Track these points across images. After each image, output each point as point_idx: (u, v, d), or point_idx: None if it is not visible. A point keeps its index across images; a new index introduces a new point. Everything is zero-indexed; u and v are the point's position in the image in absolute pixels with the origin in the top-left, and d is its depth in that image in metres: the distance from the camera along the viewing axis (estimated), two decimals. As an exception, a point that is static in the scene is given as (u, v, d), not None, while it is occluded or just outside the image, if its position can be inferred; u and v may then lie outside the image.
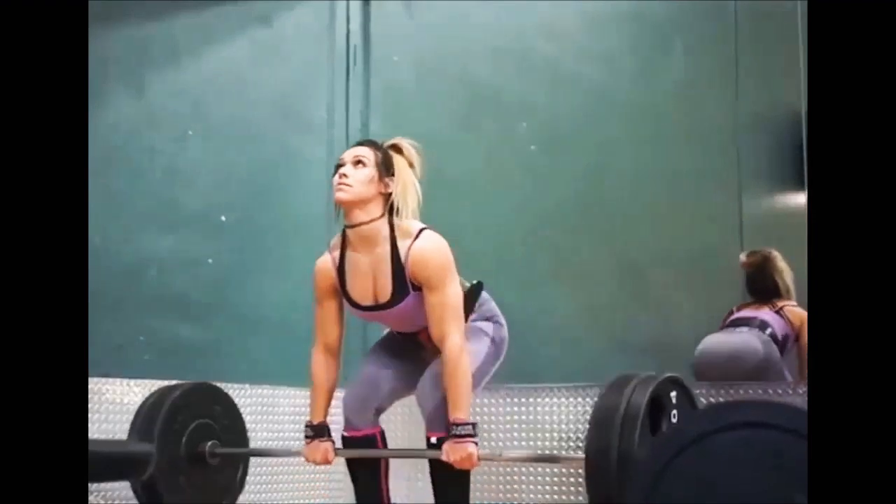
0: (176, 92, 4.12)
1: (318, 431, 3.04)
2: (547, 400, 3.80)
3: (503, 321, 3.12)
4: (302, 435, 3.88)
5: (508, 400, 3.86)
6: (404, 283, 2.87)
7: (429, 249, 2.86)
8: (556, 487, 3.76)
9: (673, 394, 2.76)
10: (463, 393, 2.81)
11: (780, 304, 3.87)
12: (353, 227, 2.91)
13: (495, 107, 4.64)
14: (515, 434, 3.86)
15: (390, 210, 2.91)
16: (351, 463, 3.09)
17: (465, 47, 4.71)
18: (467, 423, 2.80)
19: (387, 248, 2.89)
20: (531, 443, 3.83)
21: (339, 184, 2.86)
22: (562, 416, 3.78)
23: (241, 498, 3.74)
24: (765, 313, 3.86)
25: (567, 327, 4.31)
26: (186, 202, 4.09)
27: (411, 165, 2.97)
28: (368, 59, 4.75)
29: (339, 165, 2.92)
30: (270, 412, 4.03)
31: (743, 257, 3.95)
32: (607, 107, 4.49)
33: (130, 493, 3.46)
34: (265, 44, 4.44)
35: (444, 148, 4.60)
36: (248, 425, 3.62)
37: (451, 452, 2.81)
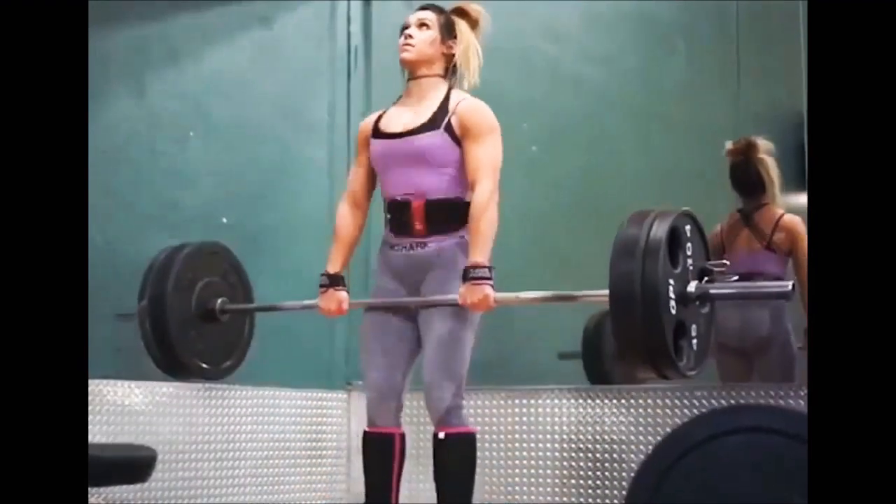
0: (177, 93, 4.12)
1: (333, 280, 3.13)
2: (547, 402, 3.80)
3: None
4: (304, 437, 3.89)
5: (509, 402, 3.86)
6: (442, 118, 2.99)
7: (479, 105, 3.05)
8: (557, 489, 3.76)
9: (688, 227, 2.82)
10: (485, 238, 2.90)
11: (767, 226, 3.93)
12: (415, 78, 3.08)
13: (496, 107, 4.60)
14: (516, 436, 3.86)
15: (451, 72, 3.10)
16: (366, 457, 3.09)
17: (465, 47, 4.70)
18: (484, 266, 2.87)
19: (440, 96, 3.04)
20: (531, 444, 3.83)
21: (404, 44, 3.05)
22: (562, 419, 3.78)
23: (241, 498, 3.75)
24: (759, 259, 3.92)
25: (567, 328, 4.31)
26: (187, 203, 4.09)
27: (474, 27, 3.16)
28: (369, 60, 4.74)
29: (405, 27, 3.08)
30: (272, 413, 4.03)
31: (729, 145, 4.02)
32: (608, 107, 4.49)
33: (132, 496, 3.46)
34: (266, 44, 4.43)
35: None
36: (248, 427, 3.63)
37: (468, 294, 2.87)
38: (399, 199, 3.05)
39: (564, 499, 3.74)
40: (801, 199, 3.99)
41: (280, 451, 4.05)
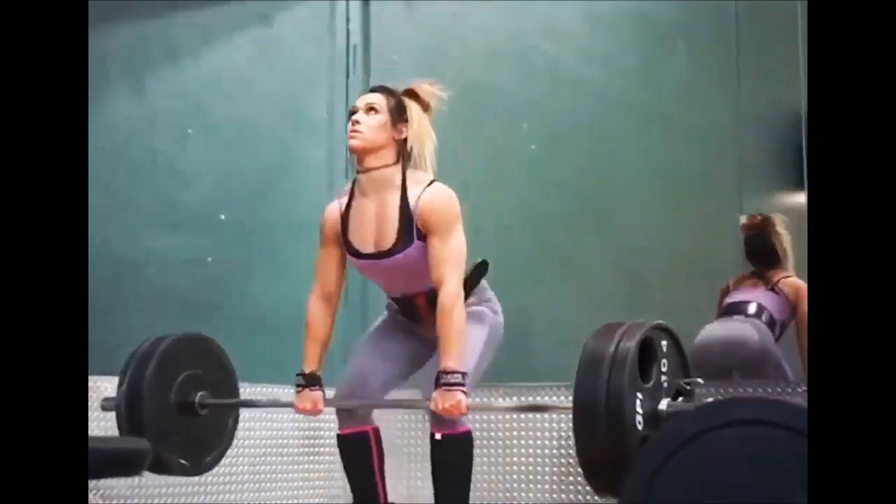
0: (176, 91, 4.12)
1: (309, 380, 3.04)
2: (546, 399, 3.79)
3: (499, 308, 3.12)
4: (303, 435, 3.88)
5: (507, 399, 3.86)
6: (411, 230, 2.87)
7: (439, 197, 2.89)
8: (555, 486, 3.76)
9: (663, 342, 2.70)
10: (455, 340, 2.80)
11: (775, 276, 3.86)
12: (365, 171, 2.93)
13: (496, 107, 4.64)
14: (514, 433, 3.85)
15: (404, 157, 2.93)
16: (344, 459, 3.08)
17: (465, 47, 4.71)
18: (457, 372, 2.78)
19: (397, 195, 2.90)
20: (530, 441, 3.82)
21: (352, 131, 2.91)
22: (561, 416, 3.77)
23: (238, 496, 3.75)
24: (760, 294, 3.86)
25: (567, 326, 4.30)
26: (186, 201, 4.09)
27: (427, 110, 2.99)
28: (368, 59, 4.75)
29: (353, 112, 2.95)
30: (269, 411, 4.03)
31: (743, 219, 3.96)
32: (608, 107, 4.49)
33: (129, 492, 3.46)
34: (265, 43, 4.44)
35: (444, 148, 4.59)
36: (246, 424, 3.62)
37: (441, 400, 2.79)
38: (399, 296, 3.05)
39: (562, 496, 3.74)
40: (800, 198, 3.99)
41: (277, 448, 4.05)
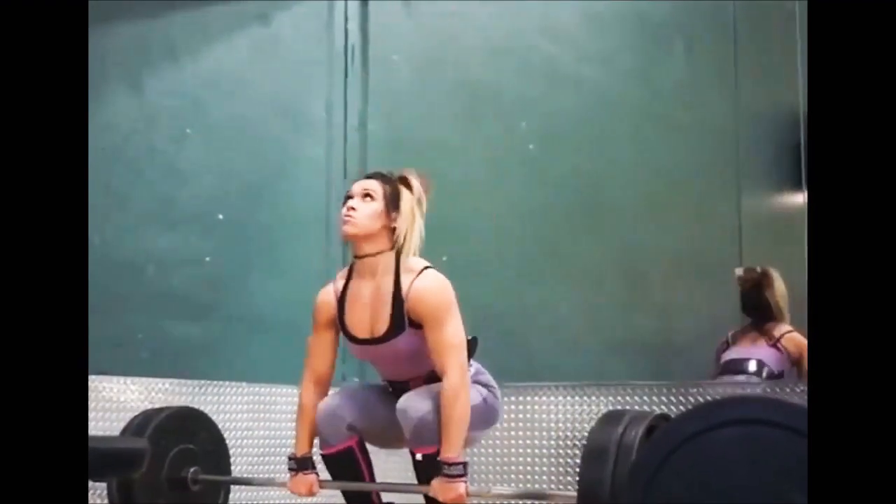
0: (174, 91, 4.12)
1: (301, 464, 3.00)
2: (545, 399, 3.79)
3: (499, 394, 3.06)
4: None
5: (506, 399, 3.85)
6: (402, 318, 2.85)
7: (429, 288, 2.85)
8: (552, 486, 3.76)
9: None
10: (458, 430, 2.76)
11: (776, 332, 3.85)
12: (360, 258, 2.92)
13: (494, 106, 4.64)
14: (513, 433, 3.85)
15: (396, 243, 2.91)
16: (335, 476, 3.00)
17: (463, 46, 4.71)
18: (459, 463, 2.76)
19: (390, 280, 2.88)
20: (529, 441, 3.82)
21: (346, 216, 2.88)
22: (559, 416, 3.77)
23: (236, 495, 3.74)
24: (762, 350, 3.84)
25: (566, 326, 4.31)
26: (184, 201, 4.09)
27: (419, 201, 2.95)
28: (367, 58, 4.74)
29: (349, 197, 2.93)
30: (268, 410, 4.03)
31: (739, 272, 3.94)
32: (606, 106, 4.49)
33: (127, 492, 3.46)
34: (264, 43, 4.44)
35: (442, 147, 4.61)
36: (244, 424, 3.62)
37: (442, 492, 2.77)
38: (397, 380, 3.01)
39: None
40: (798, 198, 3.99)
41: (275, 448, 4.04)
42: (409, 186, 2.96)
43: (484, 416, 2.98)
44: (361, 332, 2.93)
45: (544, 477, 3.78)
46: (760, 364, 3.80)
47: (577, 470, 2.60)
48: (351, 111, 4.66)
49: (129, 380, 3.55)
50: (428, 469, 2.83)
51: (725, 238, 4.13)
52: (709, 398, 3.38)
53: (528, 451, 3.82)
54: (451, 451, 2.76)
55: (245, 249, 4.27)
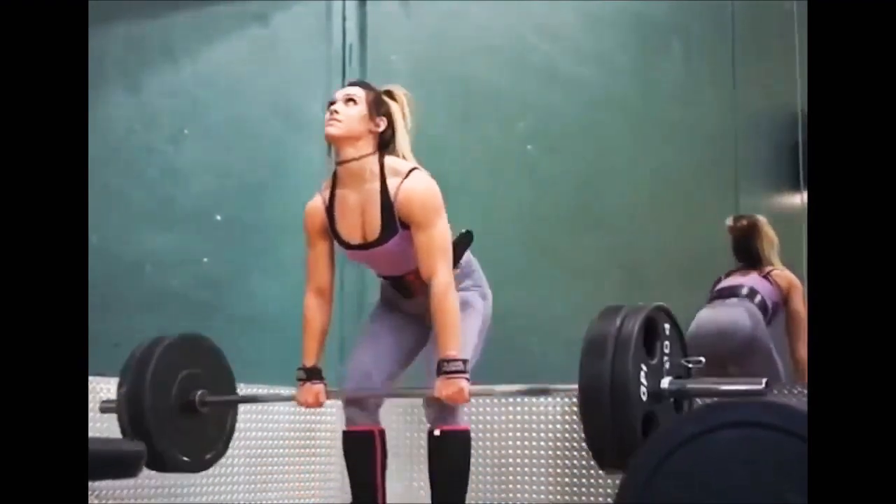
0: (172, 91, 4.12)
1: (310, 374, 3.07)
2: (543, 400, 3.79)
3: (488, 292, 3.14)
4: (298, 436, 3.87)
5: (505, 400, 3.86)
6: (393, 220, 2.89)
7: (417, 189, 2.89)
8: (552, 487, 3.76)
9: (665, 324, 2.72)
10: (451, 329, 2.83)
11: (766, 269, 3.88)
12: (343, 163, 2.96)
13: (492, 106, 4.64)
14: (511, 434, 3.85)
15: (381, 148, 2.96)
16: (347, 457, 3.09)
17: (461, 47, 4.72)
18: (457, 360, 2.81)
19: (376, 185, 2.92)
20: (527, 442, 3.82)
21: (330, 119, 2.93)
22: (558, 417, 3.77)
23: (234, 496, 3.74)
24: (752, 279, 3.87)
25: (564, 327, 4.30)
26: (182, 201, 4.09)
27: (403, 115, 3.02)
28: (365, 59, 4.74)
29: (331, 103, 2.97)
30: (265, 412, 4.03)
31: (730, 221, 3.97)
32: (604, 107, 4.49)
33: (126, 493, 3.46)
34: (262, 43, 4.43)
35: (440, 148, 4.60)
36: (243, 425, 3.61)
37: (443, 388, 2.81)
38: (393, 276, 3.07)
39: (557, 497, 3.74)
40: (797, 198, 4.00)
41: (273, 449, 4.05)
42: (393, 98, 3.02)
43: (483, 329, 3.08)
44: (354, 237, 2.98)
45: (542, 479, 3.78)
46: (752, 290, 3.83)
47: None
48: (349, 111, 4.66)
49: (127, 381, 3.55)
50: (445, 443, 2.94)
51: (723, 238, 4.13)
52: (706, 399, 3.38)
53: (527, 451, 3.82)
54: (450, 348, 2.82)
55: (243, 250, 4.27)
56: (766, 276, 3.87)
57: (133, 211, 3.93)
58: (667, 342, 2.71)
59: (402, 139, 2.99)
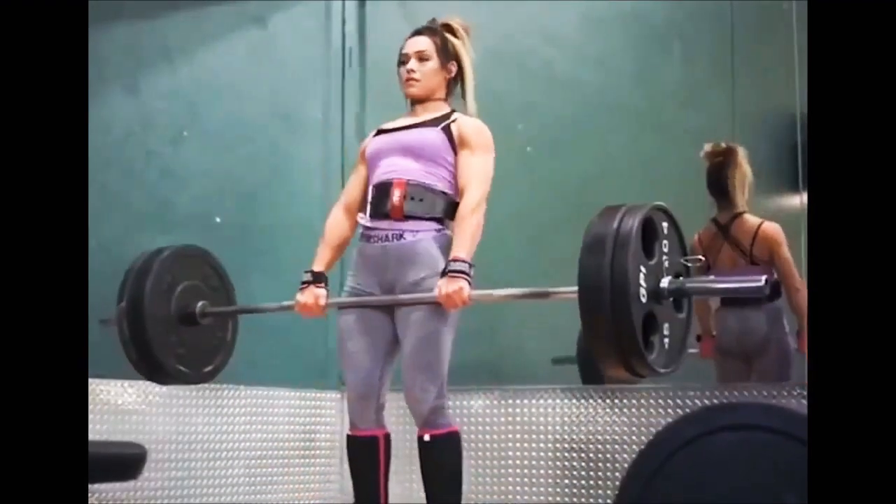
0: (171, 93, 4.12)
1: (315, 277, 3.11)
2: (542, 402, 3.79)
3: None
4: (298, 437, 3.86)
5: (503, 401, 3.86)
6: (440, 122, 3.04)
7: (481, 125, 3.08)
8: (549, 489, 3.76)
9: (664, 223, 2.71)
10: (469, 236, 2.92)
11: (746, 239, 3.92)
12: (420, 103, 3.12)
13: (492, 108, 4.61)
14: (510, 435, 3.85)
15: (451, 92, 3.15)
16: (351, 461, 3.09)
17: (461, 49, 4.71)
18: (464, 261, 2.87)
19: (443, 111, 3.10)
20: (526, 444, 3.83)
21: (408, 79, 3.08)
22: (556, 418, 3.77)
23: (234, 498, 3.74)
24: (744, 271, 3.89)
25: (563, 329, 4.30)
26: (181, 203, 4.09)
27: (467, 52, 3.17)
28: (364, 61, 4.74)
29: (403, 60, 3.10)
30: (265, 413, 4.03)
31: (707, 147, 4.01)
32: (604, 109, 4.50)
33: (125, 495, 3.46)
34: (260, 45, 4.43)
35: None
36: (241, 426, 3.61)
37: (444, 285, 2.84)
38: (383, 179, 3.05)
39: (557, 498, 3.74)
40: (796, 199, 4.00)
41: (273, 450, 4.05)
42: (454, 33, 3.17)
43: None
44: (394, 125, 3.13)
45: (541, 480, 3.78)
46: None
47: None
48: (348, 114, 4.66)
49: (126, 383, 3.55)
50: (434, 448, 2.93)
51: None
52: (706, 401, 3.39)
53: (526, 453, 3.82)
54: (461, 250, 2.90)
55: (242, 252, 4.26)
56: (752, 262, 3.90)
57: (132, 213, 3.93)
58: (665, 241, 2.69)
59: (469, 84, 3.16)
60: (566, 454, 3.73)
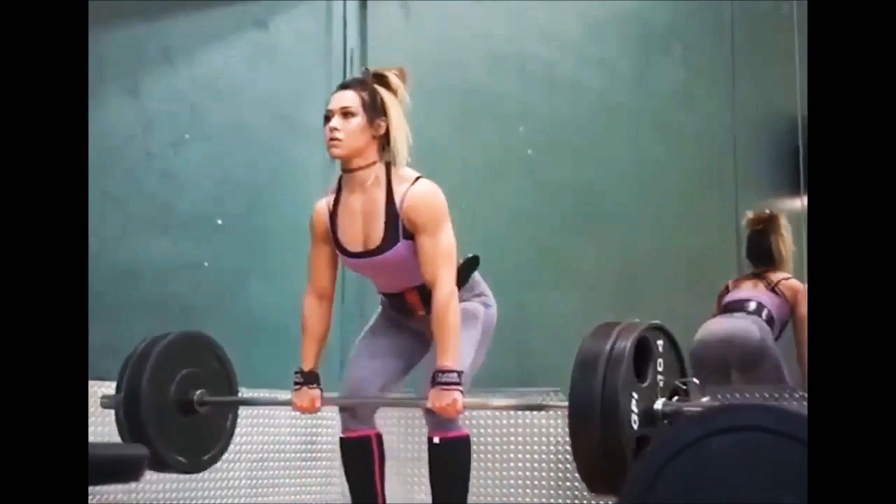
0: (172, 95, 4.12)
1: (307, 378, 3.05)
2: (543, 401, 3.79)
3: (492, 301, 3.10)
4: (300, 440, 3.86)
5: (504, 400, 3.85)
6: (396, 229, 2.86)
7: (426, 194, 2.86)
8: (552, 491, 3.76)
9: (659, 342, 2.70)
10: (450, 340, 2.80)
11: (775, 278, 3.86)
12: (350, 171, 2.91)
13: (493, 110, 4.64)
14: (511, 437, 3.85)
15: (384, 152, 2.91)
16: (345, 463, 3.10)
17: (462, 51, 4.72)
18: (453, 371, 2.79)
19: (382, 191, 2.88)
20: (527, 446, 3.83)
21: (330, 139, 2.87)
22: (558, 420, 3.77)
23: (235, 500, 3.74)
24: (761, 293, 3.86)
25: (564, 331, 4.30)
26: (183, 205, 4.09)
27: (398, 95, 2.94)
28: (365, 63, 4.74)
29: (327, 116, 2.91)
30: (266, 416, 4.03)
31: (749, 214, 3.95)
32: (604, 111, 4.50)
33: (125, 497, 3.46)
34: (262, 47, 4.43)
35: (441, 152, 4.61)
36: (244, 428, 3.61)
37: (436, 399, 2.80)
38: (390, 292, 3.05)
39: (559, 501, 3.74)
40: (797, 202, 4.00)
41: (274, 452, 4.05)
42: (388, 86, 2.94)
43: (484, 342, 3.04)
44: (355, 245, 2.95)
45: (542, 482, 3.78)
46: (760, 305, 3.83)
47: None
48: (349, 115, 4.67)
49: (127, 385, 3.55)
50: (444, 451, 2.91)
51: (724, 243, 4.14)
52: (706, 398, 3.38)
53: (527, 455, 3.82)
54: (448, 359, 2.80)
55: (244, 254, 4.27)
56: (773, 290, 3.86)
57: (133, 216, 3.93)
58: (660, 360, 2.68)
59: (401, 141, 2.90)
60: (567, 456, 3.73)
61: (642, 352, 2.62)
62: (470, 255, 3.03)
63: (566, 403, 2.59)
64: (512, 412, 3.83)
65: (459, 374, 2.81)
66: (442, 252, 2.84)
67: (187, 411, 3.28)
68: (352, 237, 2.95)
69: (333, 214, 2.98)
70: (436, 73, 4.73)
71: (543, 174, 4.52)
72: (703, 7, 4.36)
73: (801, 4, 3.76)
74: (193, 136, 4.15)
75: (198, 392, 3.31)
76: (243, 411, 3.72)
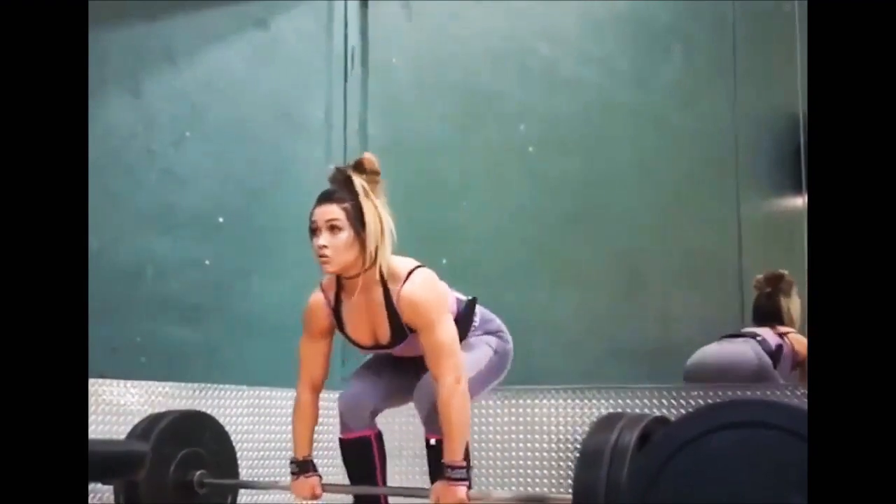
0: (173, 94, 4.12)
1: (302, 467, 3.04)
2: (545, 402, 3.80)
3: (508, 338, 3.10)
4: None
5: (506, 402, 3.86)
6: (401, 327, 2.86)
7: (416, 294, 2.82)
8: (553, 490, 3.76)
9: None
10: (457, 434, 2.77)
11: (783, 329, 3.84)
12: (346, 278, 2.89)
13: (493, 109, 4.64)
14: (513, 436, 3.85)
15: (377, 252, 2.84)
16: (348, 462, 3.09)
17: (463, 49, 4.72)
18: (461, 467, 2.78)
19: (380, 292, 2.86)
20: (528, 444, 3.83)
21: (321, 256, 2.80)
22: (559, 419, 3.78)
23: (237, 501, 3.73)
24: (766, 331, 3.83)
25: (565, 329, 4.31)
26: (183, 204, 4.09)
27: (375, 185, 2.86)
28: (366, 62, 4.75)
29: (313, 229, 2.83)
30: (267, 414, 4.03)
31: (759, 277, 3.91)
32: (605, 109, 4.50)
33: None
34: (263, 46, 4.43)
35: (442, 150, 4.62)
36: (244, 427, 3.61)
37: (443, 495, 2.79)
38: (407, 356, 3.04)
39: (561, 493, 3.73)
40: (799, 202, 4.00)
41: (275, 451, 4.04)
42: (360, 171, 2.86)
43: (497, 367, 3.06)
44: (366, 340, 2.96)
45: (543, 480, 3.78)
46: (763, 338, 3.78)
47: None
48: (350, 114, 4.67)
49: (128, 383, 3.56)
50: (440, 455, 2.86)
51: (725, 241, 4.14)
52: (708, 401, 3.38)
53: (527, 454, 3.82)
54: (455, 454, 2.78)
55: (245, 252, 4.27)
56: (780, 335, 3.82)
57: (134, 214, 3.93)
58: None
59: (386, 239, 2.83)
60: (569, 454, 3.73)
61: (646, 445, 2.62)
62: (468, 297, 3.03)
63: (570, 496, 2.59)
64: (512, 403, 3.83)
65: (467, 469, 2.80)
66: (442, 347, 2.81)
67: (187, 492, 3.27)
68: (363, 334, 2.95)
69: (337, 311, 2.95)
70: (436, 72, 4.74)
71: (544, 172, 4.51)
72: (704, 5, 4.37)
73: (802, 3, 3.76)
74: (194, 134, 4.15)
75: (198, 473, 3.31)
76: (245, 406, 3.73)
